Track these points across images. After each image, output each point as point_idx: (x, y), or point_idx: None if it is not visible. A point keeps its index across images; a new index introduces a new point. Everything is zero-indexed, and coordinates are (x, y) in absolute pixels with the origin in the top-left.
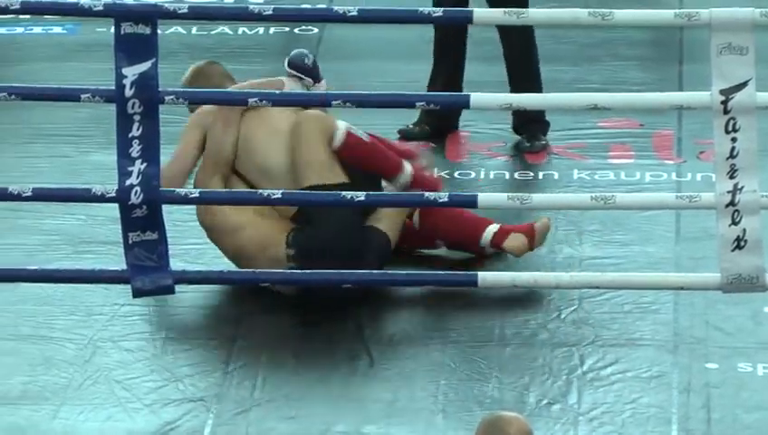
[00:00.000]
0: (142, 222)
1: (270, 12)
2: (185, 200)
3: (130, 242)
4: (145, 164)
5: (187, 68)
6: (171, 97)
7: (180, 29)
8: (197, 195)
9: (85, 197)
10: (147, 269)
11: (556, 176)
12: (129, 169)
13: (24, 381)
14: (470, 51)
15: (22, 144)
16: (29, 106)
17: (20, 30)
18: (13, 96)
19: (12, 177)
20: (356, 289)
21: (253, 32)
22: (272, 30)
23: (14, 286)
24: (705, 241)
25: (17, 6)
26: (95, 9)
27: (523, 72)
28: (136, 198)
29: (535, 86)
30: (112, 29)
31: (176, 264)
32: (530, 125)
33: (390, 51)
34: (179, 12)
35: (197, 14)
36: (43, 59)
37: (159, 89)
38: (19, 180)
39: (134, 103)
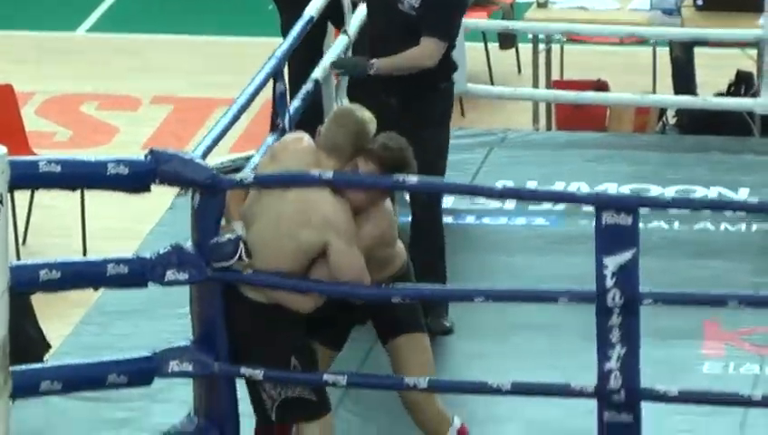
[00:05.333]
0: (619, 406)
1: (754, 202)
2: (665, 398)
3: (605, 421)
4: (625, 349)
5: (668, 263)
6: (649, 301)
7: (663, 224)
8: (676, 393)
9: (563, 392)
10: None
11: None
12: (609, 353)
13: None
14: None
15: (503, 334)
16: None
17: (504, 220)
18: (489, 300)
19: (492, 367)
20: None
21: (735, 228)
22: (754, 227)
23: None
24: None
25: (500, 189)
26: (577, 195)
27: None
28: (615, 382)
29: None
30: (593, 223)
31: None
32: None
33: None
34: (661, 200)
35: (679, 203)
36: (526, 250)
37: (640, 289)
38: (499, 371)
39: (614, 295)
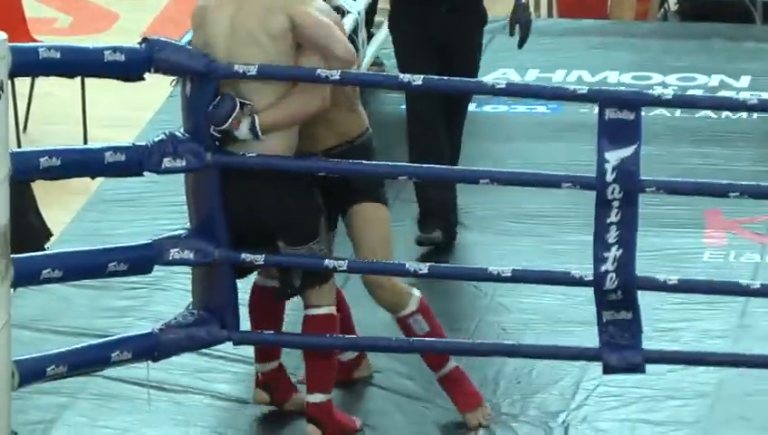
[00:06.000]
0: (617, 304)
1: (755, 101)
2: (662, 287)
3: (604, 320)
4: (621, 250)
5: (669, 151)
6: (652, 188)
7: (665, 111)
8: (675, 282)
9: (563, 280)
10: (619, 347)
11: None
12: (605, 254)
13: None
14: None
15: (503, 223)
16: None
17: (504, 108)
18: (494, 182)
19: (492, 256)
20: None
21: (736, 116)
22: (755, 115)
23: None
24: None
25: (503, 86)
26: (579, 93)
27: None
28: (611, 283)
29: None
30: (596, 110)
31: (652, 345)
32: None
33: None
34: (664, 98)
35: (682, 102)
36: (526, 138)
37: (641, 178)
38: (499, 260)
39: (614, 189)
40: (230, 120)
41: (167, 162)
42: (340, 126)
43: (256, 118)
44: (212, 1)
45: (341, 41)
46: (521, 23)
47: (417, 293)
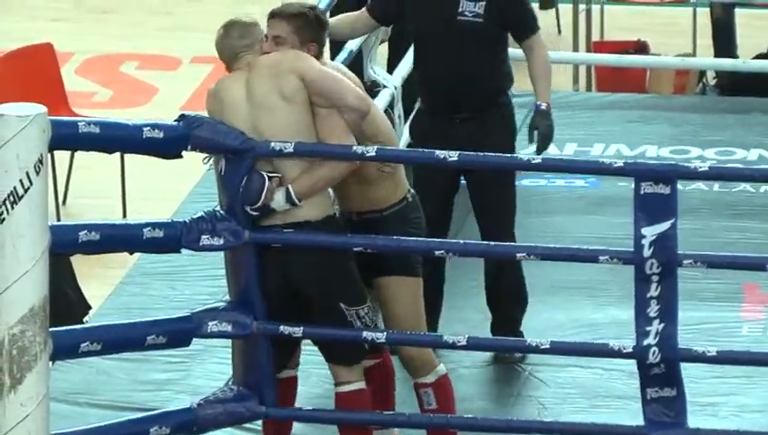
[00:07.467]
0: (660, 379)
1: None
2: (703, 358)
3: (648, 398)
4: (663, 324)
5: (707, 225)
6: (689, 261)
7: (702, 185)
8: (714, 353)
9: (601, 352)
10: (664, 425)
11: None
12: (647, 328)
13: None
14: None
15: (540, 295)
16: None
17: (543, 182)
18: (532, 256)
19: (529, 329)
20: None
21: None
22: None
23: None
24: None
25: (539, 161)
26: (615, 166)
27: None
28: (654, 357)
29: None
30: (632, 185)
31: (691, 419)
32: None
33: None
34: (699, 171)
35: (718, 174)
36: (565, 211)
37: (678, 251)
38: (536, 333)
39: (652, 264)
40: (263, 195)
41: (205, 240)
42: (372, 191)
43: (290, 187)
44: (223, 82)
45: (352, 90)
46: (540, 130)
47: (441, 369)
